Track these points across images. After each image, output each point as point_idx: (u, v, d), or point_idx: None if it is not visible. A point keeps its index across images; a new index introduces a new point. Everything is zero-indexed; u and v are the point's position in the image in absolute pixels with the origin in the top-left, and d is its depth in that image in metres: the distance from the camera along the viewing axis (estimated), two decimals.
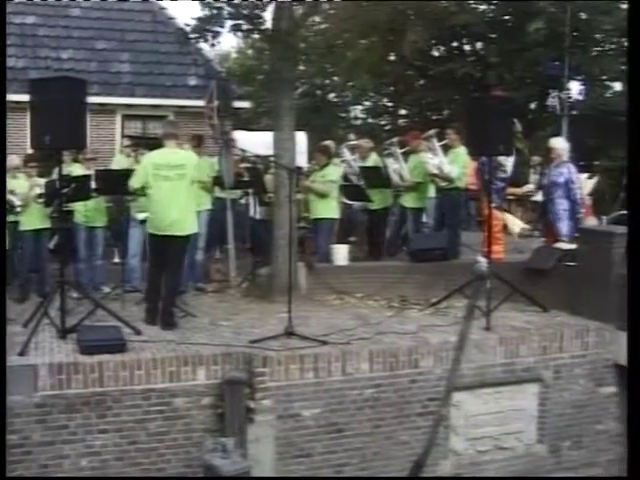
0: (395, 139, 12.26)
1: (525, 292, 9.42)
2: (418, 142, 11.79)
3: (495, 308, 8.71)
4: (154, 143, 9.76)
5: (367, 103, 33.90)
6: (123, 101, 17.20)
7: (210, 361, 7.29)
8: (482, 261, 3.88)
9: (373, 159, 12.16)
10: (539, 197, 13.49)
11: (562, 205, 10.41)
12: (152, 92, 17.49)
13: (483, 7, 25.11)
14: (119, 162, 11.98)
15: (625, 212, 10.19)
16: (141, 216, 9.69)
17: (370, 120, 32.71)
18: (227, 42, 43.78)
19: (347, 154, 12.86)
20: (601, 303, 8.93)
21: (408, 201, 11.74)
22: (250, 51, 35.09)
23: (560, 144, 11.00)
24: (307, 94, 32.98)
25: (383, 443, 7.77)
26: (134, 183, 8.46)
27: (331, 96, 34.69)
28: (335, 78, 32.73)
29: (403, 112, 31.28)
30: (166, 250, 8.36)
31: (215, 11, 10.32)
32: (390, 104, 32.10)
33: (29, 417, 6.74)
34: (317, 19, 26.75)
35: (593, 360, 8.72)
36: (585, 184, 12.25)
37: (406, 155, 11.90)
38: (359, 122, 33.41)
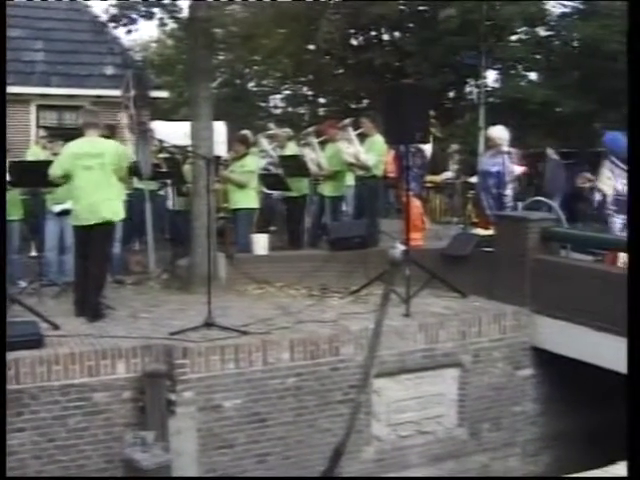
0: (311, 129, 12.31)
1: (444, 278, 9.54)
2: (334, 131, 11.85)
3: (414, 295, 8.81)
4: (70, 134, 9.61)
5: (287, 92, 33.86)
6: (38, 91, 16.87)
7: (130, 354, 7.19)
8: (397, 248, 3.91)
9: (291, 148, 12.18)
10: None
11: (493, 194, 10.41)
12: (67, 82, 17.19)
13: None
14: (34, 153, 11.76)
15: (540, 198, 10.38)
16: (58, 208, 9.52)
17: (290, 109, 32.69)
18: (146, 31, 43.21)
19: (265, 144, 12.85)
20: (517, 287, 9.11)
21: (326, 190, 11.79)
22: (170, 40, 34.69)
23: (499, 133, 10.71)
24: (227, 83, 32.80)
25: (306, 431, 7.79)
26: (55, 170, 8.36)
27: (250, 85, 34.54)
28: (255, 67, 32.64)
29: (323, 101, 31.35)
30: (90, 240, 8.29)
31: None
32: (310, 93, 32.13)
33: None
34: (235, 7, 26.62)
35: (511, 344, 8.88)
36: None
37: (323, 144, 11.94)
38: (279, 111, 33.36)
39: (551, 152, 14.52)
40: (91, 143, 8.36)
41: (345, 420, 7.39)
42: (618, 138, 9.62)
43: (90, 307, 8.28)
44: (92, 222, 8.21)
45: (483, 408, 8.76)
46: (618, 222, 9.35)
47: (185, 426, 7.25)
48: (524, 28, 23.66)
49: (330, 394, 7.84)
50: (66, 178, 8.36)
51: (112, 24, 10.67)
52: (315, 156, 11.72)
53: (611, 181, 9.64)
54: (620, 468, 3.11)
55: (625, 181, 9.32)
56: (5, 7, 7.72)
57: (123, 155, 8.80)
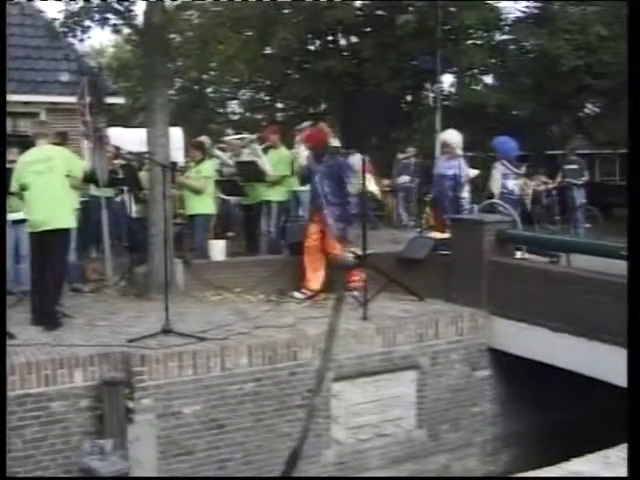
0: (254, 136, 12.31)
1: (401, 282, 9.61)
2: (276, 137, 11.91)
3: (372, 298, 8.88)
4: (25, 141, 9.54)
5: (244, 97, 33.80)
6: None
7: (87, 362, 7.15)
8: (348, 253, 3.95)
9: (247, 154, 12.17)
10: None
11: (449, 197, 10.48)
12: (22, 88, 16.96)
13: (357, 3, 25.37)
14: None
15: (495, 201, 10.48)
16: (14, 216, 9.44)
17: (248, 114, 32.63)
18: (103, 36, 42.87)
19: (220, 153, 12.83)
20: (474, 290, 9.20)
21: (273, 195, 11.72)
22: (127, 45, 34.49)
23: (453, 138, 10.80)
24: (184, 89, 32.69)
25: (265, 436, 7.80)
26: (13, 186, 8.46)
27: (208, 91, 34.45)
28: (212, 73, 32.56)
29: (280, 106, 31.34)
30: (45, 247, 8.28)
31: (84, 4, 10.11)
32: (267, 98, 32.10)
33: None
34: (191, 13, 26.55)
35: (468, 345, 8.98)
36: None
37: (266, 150, 11.91)
38: (237, 117, 33.31)
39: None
40: (40, 150, 8.46)
41: (302, 424, 7.42)
42: (507, 142, 10.68)
43: (47, 315, 8.23)
44: (47, 228, 8.19)
45: (442, 409, 8.84)
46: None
47: (144, 433, 7.23)
48: (480, 33, 23.85)
49: (289, 399, 7.86)
50: (22, 188, 8.39)
51: (64, 30, 10.52)
52: (260, 162, 11.63)
53: (499, 181, 10.45)
54: (574, 464, 3.17)
55: (515, 181, 10.55)
56: (5, 7, 7.65)
57: (72, 160, 8.81)
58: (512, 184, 10.46)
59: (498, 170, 10.62)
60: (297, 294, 9.84)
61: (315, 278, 9.84)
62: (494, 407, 9.15)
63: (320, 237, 9.86)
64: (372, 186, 12.37)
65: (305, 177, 10.46)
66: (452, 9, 22.29)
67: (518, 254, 9.85)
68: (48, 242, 8.27)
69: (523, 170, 11.33)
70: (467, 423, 9.00)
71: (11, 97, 16.65)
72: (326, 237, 9.79)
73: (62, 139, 10.46)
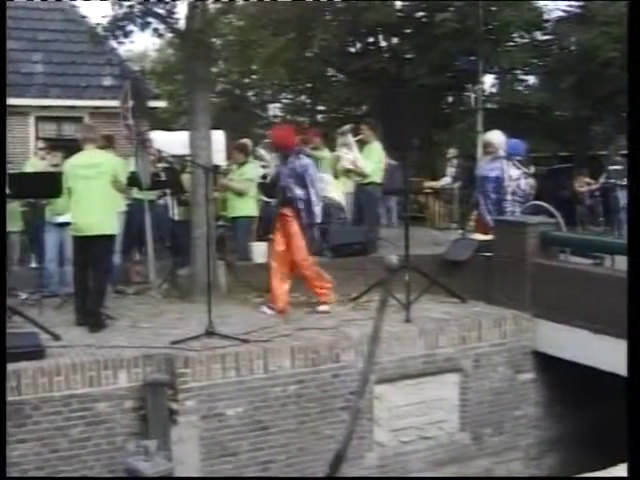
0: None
1: (443, 284, 9.57)
2: (318, 139, 11.94)
3: (414, 300, 8.85)
4: (69, 145, 9.66)
5: (285, 100, 33.87)
6: (36, 102, 16.89)
7: (131, 364, 7.22)
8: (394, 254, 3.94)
9: None
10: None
11: (491, 199, 10.40)
12: (66, 93, 17.24)
13: (398, 3, 25.31)
14: (33, 165, 11.76)
15: (539, 202, 10.40)
16: (59, 219, 9.55)
17: (288, 117, 32.69)
18: (146, 40, 43.18)
19: (264, 152, 12.86)
20: (517, 292, 9.13)
21: None
22: (169, 50, 34.74)
23: (497, 138, 10.70)
24: (225, 92, 32.82)
25: (308, 438, 7.81)
26: (65, 192, 8.59)
27: (249, 94, 34.56)
28: (253, 76, 32.65)
29: (321, 108, 31.34)
30: (89, 251, 8.41)
31: (126, 9, 10.20)
32: (308, 101, 32.14)
33: None
34: (232, 16, 26.62)
35: (511, 348, 8.91)
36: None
37: None
38: (278, 120, 33.38)
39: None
40: (88, 155, 8.54)
41: (346, 426, 7.40)
42: (518, 144, 10.70)
43: (91, 317, 8.32)
44: (92, 234, 8.30)
45: (485, 412, 8.78)
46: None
47: (187, 435, 7.27)
48: (521, 33, 23.68)
49: (331, 401, 7.86)
50: (68, 191, 8.51)
51: (107, 34, 10.62)
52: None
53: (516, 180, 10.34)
54: (622, 470, 3.13)
55: (527, 180, 10.48)
56: (5, 7, 7.75)
57: (119, 166, 8.91)
58: (524, 183, 10.37)
59: (513, 170, 10.48)
60: (265, 309, 9.19)
61: (283, 292, 9.15)
62: (538, 410, 9.07)
63: (285, 243, 9.14)
64: (333, 192, 11.83)
65: (273, 180, 9.73)
66: (493, 8, 22.15)
67: (562, 256, 9.75)
68: (92, 246, 8.39)
69: (532, 170, 11.26)
70: (511, 426, 8.93)
71: (55, 102, 16.97)
72: (292, 244, 9.11)
73: (108, 142, 10.57)
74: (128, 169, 10.39)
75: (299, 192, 8.98)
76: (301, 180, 8.99)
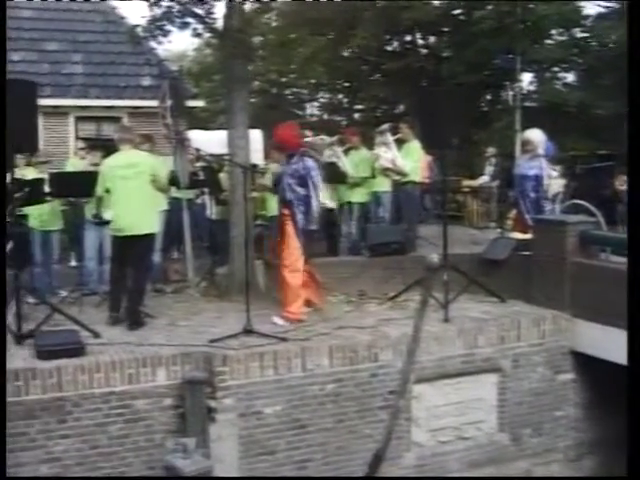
0: (334, 138, 12.31)
1: (482, 283, 9.51)
2: (356, 138, 11.90)
3: (453, 300, 8.80)
4: (108, 144, 9.72)
5: (322, 99, 33.91)
6: (76, 103, 17.05)
7: (169, 362, 7.26)
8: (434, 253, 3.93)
9: (327, 156, 12.18)
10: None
11: (530, 198, 10.34)
12: (105, 93, 17.37)
13: (435, 2, 25.22)
14: (73, 164, 11.88)
15: (578, 201, 10.32)
16: (106, 216, 9.56)
17: (326, 116, 32.72)
18: (185, 40, 43.38)
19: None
20: (556, 291, 9.05)
21: (353, 197, 11.72)
22: (208, 49, 34.92)
23: (536, 137, 10.60)
24: (263, 91, 32.92)
25: (346, 437, 7.80)
26: (98, 190, 8.67)
27: (286, 93, 34.63)
28: (290, 75, 32.73)
29: (359, 107, 31.34)
30: (128, 250, 8.46)
31: (165, 10, 10.26)
32: (345, 100, 32.15)
33: None
34: (270, 16, 26.71)
35: (550, 348, 8.83)
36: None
37: (347, 152, 11.92)
38: (315, 118, 33.41)
39: None
40: (126, 155, 8.59)
41: (385, 426, 7.39)
42: (547, 145, 10.61)
43: (129, 316, 8.39)
44: (131, 234, 8.36)
45: (523, 413, 8.70)
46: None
47: (226, 433, 7.30)
48: (559, 30, 23.49)
49: (370, 400, 7.85)
50: (106, 192, 8.58)
51: (146, 35, 10.69)
52: (341, 164, 11.62)
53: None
54: None
55: (555, 181, 10.55)
56: (5, 7, 7.81)
57: (158, 165, 8.95)
58: (554, 183, 10.29)
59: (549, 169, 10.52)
60: (277, 319, 8.62)
61: (297, 300, 8.72)
62: (577, 411, 8.97)
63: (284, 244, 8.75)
64: (324, 197, 11.50)
65: (276, 180, 9.33)
66: (531, 6, 21.99)
67: (602, 255, 9.64)
68: (133, 245, 8.43)
69: (559, 170, 11.18)
70: (550, 428, 8.85)
71: (95, 102, 17.12)
72: (285, 245, 8.74)
73: (148, 141, 10.64)
74: (167, 168, 10.46)
75: (300, 194, 8.68)
76: (303, 182, 8.68)
